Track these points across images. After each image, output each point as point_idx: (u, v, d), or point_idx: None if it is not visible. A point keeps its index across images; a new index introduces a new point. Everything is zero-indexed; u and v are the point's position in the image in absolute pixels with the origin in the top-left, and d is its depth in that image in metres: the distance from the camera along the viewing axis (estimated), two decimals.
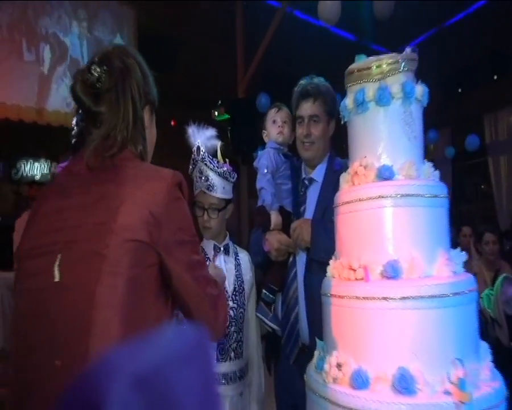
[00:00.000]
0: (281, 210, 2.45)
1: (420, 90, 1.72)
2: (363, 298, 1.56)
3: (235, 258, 2.55)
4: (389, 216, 1.62)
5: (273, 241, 2.37)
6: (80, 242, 1.15)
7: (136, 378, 0.43)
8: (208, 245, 2.53)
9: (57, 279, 1.13)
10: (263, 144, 2.65)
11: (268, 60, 8.77)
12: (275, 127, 2.56)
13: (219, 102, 9.31)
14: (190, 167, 2.50)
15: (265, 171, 2.44)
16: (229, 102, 9.08)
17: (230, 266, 2.49)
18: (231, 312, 2.39)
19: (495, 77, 10.05)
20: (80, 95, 1.28)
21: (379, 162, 1.71)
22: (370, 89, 1.71)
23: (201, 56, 9.33)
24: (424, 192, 1.62)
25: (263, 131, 2.63)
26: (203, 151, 2.43)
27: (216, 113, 9.09)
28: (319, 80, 2.50)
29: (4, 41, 7.05)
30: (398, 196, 1.61)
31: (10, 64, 7.09)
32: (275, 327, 2.40)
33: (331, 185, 2.36)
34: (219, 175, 2.43)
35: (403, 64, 1.72)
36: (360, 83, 1.78)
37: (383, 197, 1.63)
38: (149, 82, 1.42)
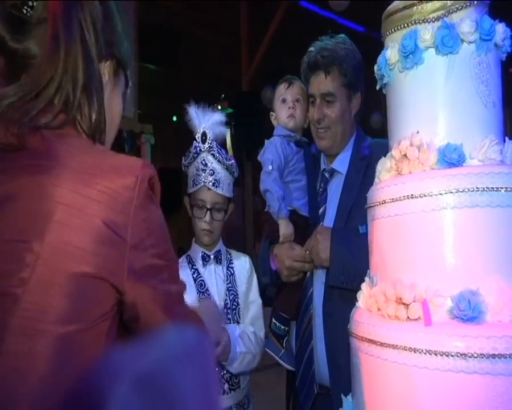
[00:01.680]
0: (294, 216, 1.92)
1: (501, 31, 1.15)
2: (422, 351, 0.99)
3: (228, 266, 2.09)
4: (461, 222, 1.05)
5: (284, 257, 1.83)
6: None
7: (138, 379, 0.42)
8: (195, 253, 2.09)
9: None
10: (269, 137, 2.10)
11: (274, 53, 8.50)
12: (284, 108, 2.00)
13: (223, 95, 8.91)
14: (189, 157, 2.06)
15: (270, 167, 1.90)
16: (233, 96, 8.71)
17: (220, 277, 2.06)
18: None
19: None
20: None
21: (440, 140, 1.13)
22: (426, 31, 1.14)
23: (204, 49, 9.01)
24: None
25: (271, 113, 2.07)
26: (211, 138, 2.00)
27: (219, 107, 8.64)
28: (335, 42, 1.91)
29: None
30: (474, 190, 1.03)
31: None
32: (288, 366, 1.86)
33: (357, 178, 1.84)
34: (226, 168, 2.02)
35: None
36: (408, 26, 1.20)
37: (449, 192, 1.05)
38: (117, 28, 0.96)
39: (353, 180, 1.85)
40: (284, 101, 2.00)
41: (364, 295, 1.26)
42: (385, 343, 1.06)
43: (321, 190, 1.96)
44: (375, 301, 1.17)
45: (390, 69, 1.24)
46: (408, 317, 1.05)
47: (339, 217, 1.83)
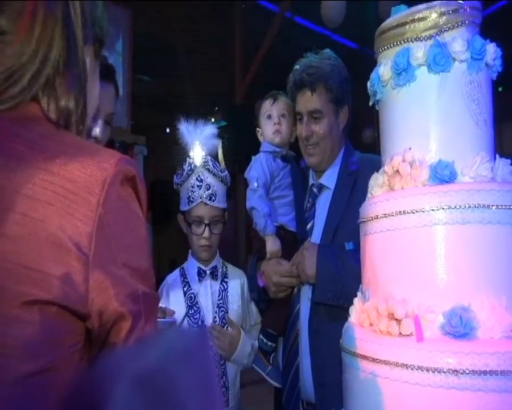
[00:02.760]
0: (282, 231, 1.90)
1: (491, 50, 1.16)
2: (414, 367, 0.99)
3: (222, 281, 2.06)
4: (452, 238, 1.06)
5: (271, 273, 1.82)
6: None
7: (138, 379, 0.42)
8: (191, 267, 2.06)
9: None
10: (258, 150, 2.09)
11: (268, 67, 8.54)
12: (270, 124, 1.98)
13: (216, 108, 8.93)
14: (183, 175, 2.04)
15: (256, 185, 1.89)
16: (226, 109, 8.71)
17: (214, 293, 2.02)
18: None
19: None
20: None
21: (432, 156, 1.15)
22: (419, 49, 1.15)
23: (198, 61, 9.03)
24: (506, 202, 1.05)
25: (257, 129, 2.06)
26: (205, 153, 1.99)
27: (213, 120, 8.67)
28: (320, 58, 1.90)
29: None
30: (465, 207, 1.04)
31: None
32: (274, 383, 1.83)
33: (344, 193, 1.83)
34: (221, 180, 2.01)
35: (467, 12, 1.16)
36: (401, 43, 1.22)
37: (441, 208, 1.06)
38: (99, 8, 0.86)
39: (341, 195, 1.84)
40: (269, 117, 1.98)
41: (357, 310, 1.26)
42: (377, 359, 1.06)
43: (309, 205, 1.94)
44: (367, 316, 1.17)
45: (383, 86, 1.26)
46: (400, 333, 1.05)
47: (326, 233, 1.82)
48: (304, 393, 1.79)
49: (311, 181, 1.98)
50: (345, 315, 1.35)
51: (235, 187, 8.49)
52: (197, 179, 1.99)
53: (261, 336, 1.86)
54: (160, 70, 8.93)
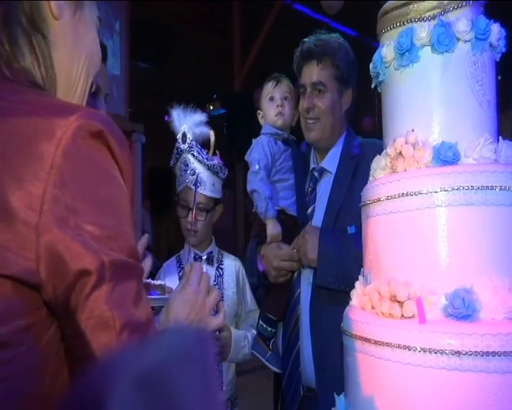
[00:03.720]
0: (282, 215, 1.88)
1: (496, 31, 1.15)
2: (417, 349, 0.98)
3: (217, 267, 2.08)
4: (455, 220, 1.05)
5: (271, 257, 1.79)
6: None
7: (139, 379, 0.42)
8: (187, 254, 2.07)
9: None
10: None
11: (266, 54, 8.47)
12: (272, 106, 1.96)
13: (215, 95, 8.87)
14: (173, 158, 2.06)
15: (257, 167, 1.86)
16: (225, 96, 8.66)
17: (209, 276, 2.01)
18: None
19: None
20: None
21: (435, 138, 1.14)
22: (423, 29, 1.14)
23: (196, 48, 8.96)
24: (510, 184, 1.04)
25: (258, 112, 2.04)
26: (191, 138, 1.98)
27: (211, 107, 8.62)
28: (329, 36, 1.89)
29: None
30: (469, 189, 1.04)
31: None
32: (274, 369, 1.82)
33: (346, 178, 1.82)
34: (208, 168, 1.99)
35: None
36: (404, 24, 1.20)
37: (444, 190, 1.05)
38: None
39: (342, 179, 1.82)
40: (272, 99, 1.97)
41: (358, 293, 1.25)
42: (379, 341, 1.06)
43: (310, 189, 1.92)
44: (369, 299, 1.17)
45: (386, 67, 1.24)
46: (403, 315, 1.05)
47: (328, 217, 1.80)
48: (304, 378, 1.79)
49: (312, 165, 1.95)
50: (346, 299, 1.34)
51: (234, 175, 8.47)
52: (183, 163, 2.00)
53: (260, 321, 1.84)
54: (158, 57, 8.86)
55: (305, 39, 1.91)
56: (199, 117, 2.03)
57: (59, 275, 0.62)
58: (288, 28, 8.22)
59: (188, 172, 1.98)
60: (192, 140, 1.98)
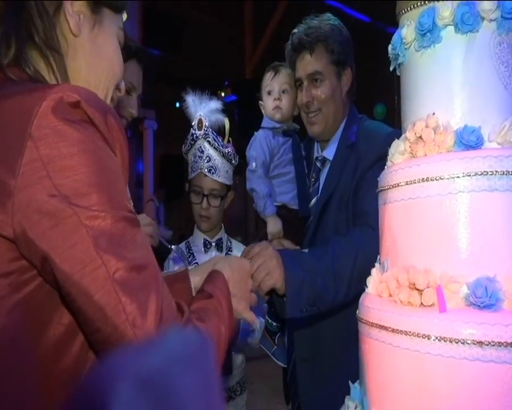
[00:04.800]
0: (284, 211, 1.87)
1: None
2: (437, 338, 0.96)
3: (226, 253, 2.12)
4: (478, 206, 1.01)
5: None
6: None
7: (142, 380, 0.42)
8: (196, 239, 2.12)
9: None
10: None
11: (278, 40, 8.35)
12: (270, 100, 1.93)
13: (226, 82, 8.84)
14: (187, 144, 2.09)
15: (254, 165, 1.85)
16: (236, 83, 8.63)
17: None
18: None
19: None
20: None
21: (457, 122, 1.10)
22: (446, 8, 1.09)
23: (208, 35, 8.92)
24: None
25: (260, 103, 2.01)
26: (207, 125, 2.00)
27: (223, 94, 8.58)
28: (319, 20, 1.81)
29: None
30: (493, 174, 1.00)
31: None
32: (279, 363, 1.83)
33: (340, 166, 1.74)
34: (223, 155, 2.02)
35: None
36: (426, 3, 1.16)
37: (467, 175, 1.02)
38: None
39: (336, 168, 1.76)
40: (269, 92, 1.93)
41: (375, 280, 1.23)
42: (397, 329, 1.03)
43: (313, 180, 1.87)
44: (386, 286, 1.14)
45: (405, 48, 1.20)
46: (422, 303, 1.02)
47: (317, 207, 1.75)
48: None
49: (315, 154, 1.91)
50: None
51: (245, 162, 8.47)
52: (198, 149, 2.01)
53: (267, 316, 1.84)
54: (170, 44, 8.82)
55: (295, 30, 1.83)
56: (215, 104, 2.05)
57: (34, 229, 0.68)
58: (300, 14, 8.16)
59: (203, 158, 2.00)
60: (207, 127, 2.00)
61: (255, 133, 1.95)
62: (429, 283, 1.01)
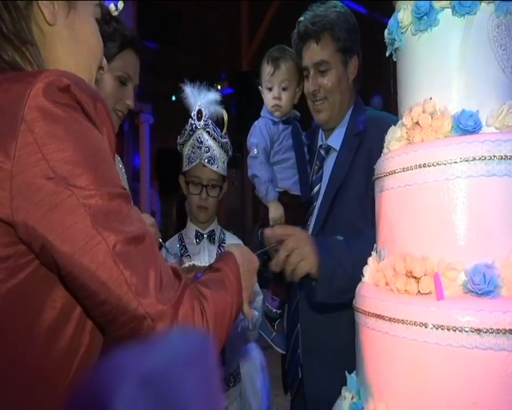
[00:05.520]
0: (285, 197, 1.85)
1: None
2: (434, 326, 0.94)
3: (219, 246, 2.10)
4: (476, 191, 0.99)
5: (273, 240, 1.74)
6: None
7: (144, 380, 0.42)
8: (189, 231, 2.13)
9: None
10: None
11: (274, 32, 8.33)
12: (269, 97, 1.87)
13: (223, 75, 8.81)
14: (185, 134, 2.05)
15: (255, 151, 1.84)
16: (233, 76, 8.59)
17: (211, 256, 2.05)
18: None
19: None
20: None
21: (455, 106, 1.07)
22: None
23: (204, 28, 8.86)
24: None
25: (260, 88, 1.96)
26: (206, 116, 2.01)
27: (219, 87, 8.54)
28: (325, 7, 1.78)
29: None
30: (491, 159, 0.98)
31: None
32: (278, 349, 1.83)
33: (349, 155, 1.74)
34: (221, 146, 2.04)
35: None
36: None
37: (464, 160, 1.00)
38: None
39: (345, 156, 1.76)
40: (269, 88, 1.87)
41: (371, 269, 1.21)
42: (394, 318, 1.02)
43: (316, 168, 1.87)
44: (383, 275, 1.12)
45: (402, 32, 1.18)
46: (419, 291, 1.00)
47: (327, 196, 1.75)
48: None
49: (319, 143, 1.90)
50: None
51: (242, 155, 8.44)
52: (197, 140, 2.01)
53: (267, 303, 1.84)
54: (166, 37, 8.76)
55: (301, 18, 1.82)
56: (214, 95, 2.05)
57: (34, 212, 0.70)
58: (297, 6, 8.10)
59: (203, 149, 2.00)
60: (207, 118, 2.01)
61: (255, 122, 1.92)
62: (427, 270, 1.00)
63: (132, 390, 0.41)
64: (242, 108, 8.02)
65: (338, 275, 1.48)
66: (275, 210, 1.78)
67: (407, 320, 0.98)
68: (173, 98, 10.36)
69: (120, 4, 1.62)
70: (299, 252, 1.48)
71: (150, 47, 8.67)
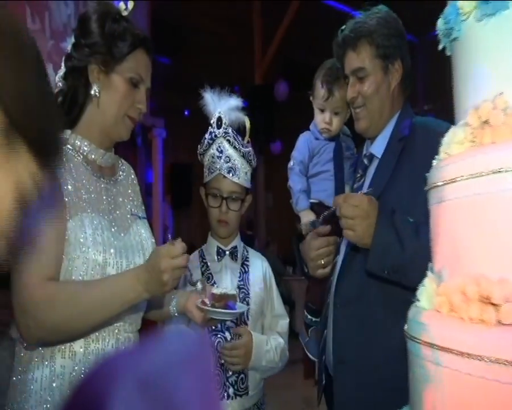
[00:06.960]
0: (315, 207, 1.87)
1: None
2: None
3: (243, 263, 1.97)
4: None
5: (306, 249, 1.79)
6: None
7: (142, 380, 0.42)
8: (210, 247, 1.99)
9: None
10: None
11: (287, 45, 8.34)
12: (321, 118, 1.93)
13: (236, 88, 8.79)
14: (204, 144, 1.96)
15: (292, 163, 1.91)
16: (246, 89, 8.55)
17: (233, 274, 1.93)
18: (227, 335, 1.83)
19: None
20: None
21: None
22: None
23: (216, 42, 8.87)
24: None
25: (309, 93, 2.00)
26: (226, 123, 1.89)
27: None
28: (367, 14, 1.76)
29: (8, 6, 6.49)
30: None
31: None
32: (309, 355, 1.90)
33: (391, 161, 1.67)
34: (243, 156, 1.90)
35: None
36: None
37: None
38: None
39: (387, 163, 1.68)
40: (321, 111, 1.91)
41: (429, 293, 1.04)
42: (466, 353, 0.85)
43: (358, 176, 1.81)
44: (446, 300, 0.96)
45: (462, 20, 1.03)
46: (499, 321, 0.84)
47: None
48: (328, 366, 1.73)
49: (364, 152, 1.84)
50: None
51: (255, 168, 8.37)
52: (217, 149, 1.89)
53: (304, 310, 1.89)
54: (178, 51, 8.76)
55: (343, 27, 1.81)
56: (235, 101, 1.95)
57: None
58: (309, 19, 8.04)
59: (223, 158, 1.87)
60: (227, 126, 1.89)
61: (301, 134, 1.99)
62: (507, 296, 0.83)
63: (129, 392, 0.40)
64: (255, 121, 7.99)
65: (393, 251, 1.45)
66: (305, 217, 1.81)
67: (486, 357, 0.82)
68: (186, 112, 10.34)
69: (130, 4, 1.53)
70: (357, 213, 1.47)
71: (163, 62, 8.66)
